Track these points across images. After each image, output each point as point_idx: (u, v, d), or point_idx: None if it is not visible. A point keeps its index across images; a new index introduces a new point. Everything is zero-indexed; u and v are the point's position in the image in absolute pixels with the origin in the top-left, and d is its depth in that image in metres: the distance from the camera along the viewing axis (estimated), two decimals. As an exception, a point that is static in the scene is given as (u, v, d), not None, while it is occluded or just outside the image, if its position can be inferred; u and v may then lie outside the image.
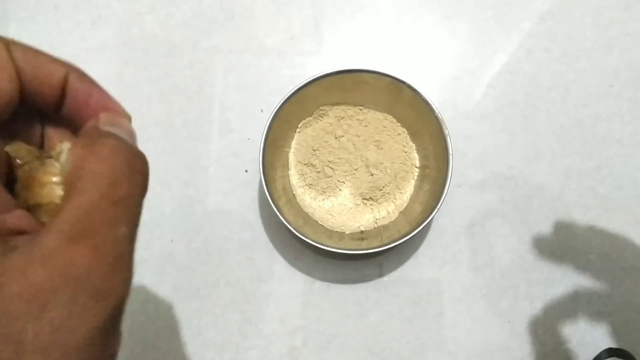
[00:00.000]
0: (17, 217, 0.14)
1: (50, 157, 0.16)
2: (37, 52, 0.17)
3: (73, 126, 0.18)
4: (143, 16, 0.45)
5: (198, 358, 0.38)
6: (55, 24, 0.45)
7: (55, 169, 0.16)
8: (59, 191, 0.16)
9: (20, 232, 0.14)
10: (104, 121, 0.16)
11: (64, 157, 0.16)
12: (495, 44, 0.44)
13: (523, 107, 0.42)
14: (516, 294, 0.39)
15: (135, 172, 0.15)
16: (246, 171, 0.41)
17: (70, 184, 0.15)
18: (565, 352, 0.38)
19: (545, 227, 0.40)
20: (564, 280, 0.39)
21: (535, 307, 0.38)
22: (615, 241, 0.39)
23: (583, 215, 0.40)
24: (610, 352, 0.36)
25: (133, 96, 0.43)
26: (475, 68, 0.43)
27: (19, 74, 0.16)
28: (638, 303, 0.38)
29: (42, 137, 0.18)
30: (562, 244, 0.39)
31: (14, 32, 0.44)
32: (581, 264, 0.39)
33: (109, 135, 0.16)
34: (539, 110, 0.42)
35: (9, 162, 0.16)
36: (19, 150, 0.16)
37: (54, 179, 0.16)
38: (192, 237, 0.40)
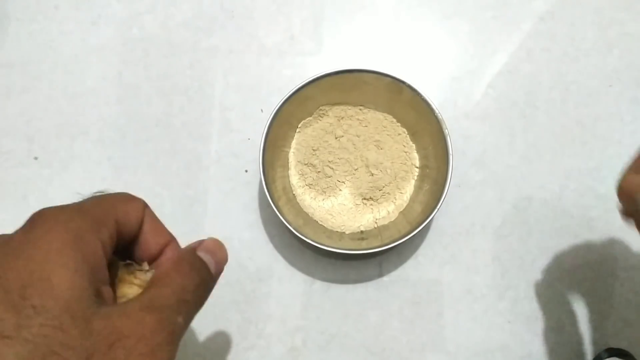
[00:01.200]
0: (107, 290, 0.20)
1: (139, 270, 0.23)
2: (157, 218, 0.24)
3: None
4: (143, 16, 0.45)
5: (198, 358, 0.38)
6: (55, 24, 0.45)
7: (139, 275, 0.22)
8: (138, 291, 0.22)
9: (105, 301, 0.19)
10: (203, 247, 0.23)
11: (149, 274, 0.22)
12: (495, 44, 0.44)
13: (523, 107, 0.42)
14: (516, 294, 0.39)
15: (200, 289, 0.22)
16: (246, 171, 0.41)
17: (153, 281, 0.21)
18: (565, 352, 0.38)
19: (545, 227, 0.40)
20: (564, 280, 0.39)
21: (535, 307, 0.38)
22: (615, 241, 0.39)
23: (583, 215, 0.40)
24: (610, 352, 0.36)
25: (133, 96, 0.43)
26: (475, 68, 0.43)
27: (141, 224, 0.23)
28: (638, 303, 0.38)
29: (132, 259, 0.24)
30: (562, 244, 0.39)
31: (14, 32, 0.44)
32: (581, 264, 0.39)
33: (196, 259, 0.22)
34: (539, 110, 0.42)
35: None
36: (117, 259, 0.22)
37: (135, 281, 0.22)
38: (192, 237, 0.40)
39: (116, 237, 0.21)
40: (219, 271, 0.24)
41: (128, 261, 0.23)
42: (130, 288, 0.22)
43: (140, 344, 0.17)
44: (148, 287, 0.21)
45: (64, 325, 0.16)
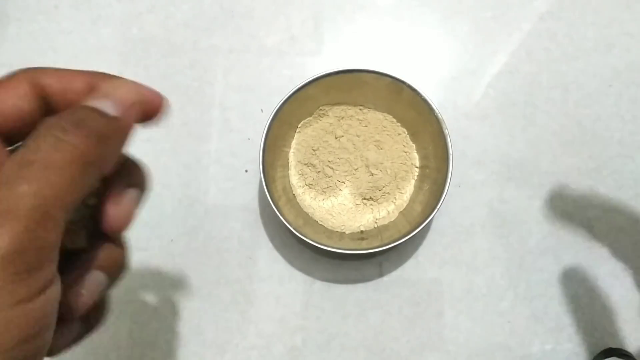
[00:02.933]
0: None
1: None
2: (63, 71, 0.18)
3: None
4: (143, 16, 0.45)
5: (198, 358, 0.38)
6: (55, 24, 0.45)
7: None
8: None
9: None
10: (95, 94, 0.18)
11: None
12: (495, 44, 0.44)
13: (523, 107, 0.42)
14: (516, 294, 0.39)
15: (67, 140, 0.16)
16: (246, 171, 0.41)
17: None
18: (565, 352, 0.38)
19: (545, 227, 0.40)
20: (564, 280, 0.39)
21: (535, 307, 0.38)
22: (616, 241, 0.39)
23: (583, 215, 0.40)
24: (610, 352, 0.36)
25: (133, 96, 0.43)
26: (475, 68, 0.43)
27: (40, 91, 0.17)
28: (638, 303, 0.38)
29: None
30: (562, 244, 0.39)
31: (13, 32, 0.44)
32: (581, 264, 0.39)
33: (63, 113, 0.16)
34: (539, 110, 0.42)
35: None
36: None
37: None
38: (192, 237, 0.40)
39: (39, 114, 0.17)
40: (126, 108, 0.18)
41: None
42: None
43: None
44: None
45: None
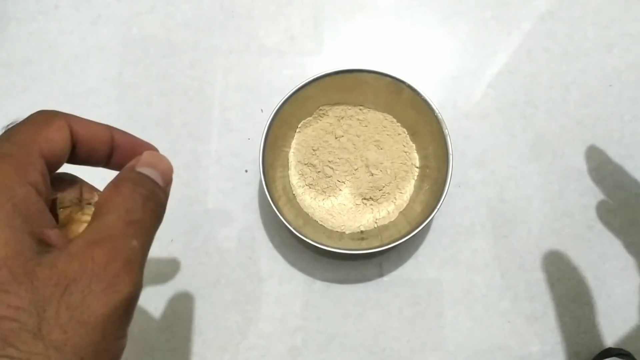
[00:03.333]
0: (54, 233, 0.18)
1: (90, 204, 0.21)
2: (87, 120, 0.21)
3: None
4: (143, 16, 0.45)
5: (198, 358, 0.38)
6: (55, 23, 0.45)
7: (90, 211, 0.21)
8: None
9: (54, 246, 0.18)
10: (142, 162, 0.21)
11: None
12: (495, 44, 0.44)
13: (523, 107, 0.42)
14: (516, 294, 0.39)
15: (150, 204, 0.20)
16: (246, 171, 0.41)
17: (95, 212, 0.19)
18: (565, 352, 0.38)
19: (545, 227, 0.40)
20: (564, 280, 0.39)
21: (535, 307, 0.38)
22: (615, 241, 0.39)
23: (583, 215, 0.40)
24: (610, 352, 0.36)
25: (133, 96, 0.43)
26: (475, 68, 0.43)
27: (74, 135, 0.21)
28: (638, 303, 0.38)
29: (81, 193, 0.22)
30: (562, 244, 0.39)
31: (13, 32, 0.44)
32: (581, 264, 0.39)
33: (136, 175, 0.20)
34: (539, 110, 0.42)
35: (54, 207, 0.20)
36: (64, 197, 0.21)
37: (88, 218, 0.20)
38: (192, 237, 0.40)
39: (47, 170, 0.19)
40: (167, 181, 0.22)
41: (74, 198, 0.21)
42: (82, 226, 0.20)
43: (94, 283, 0.16)
44: (91, 220, 0.19)
45: (5, 286, 0.15)
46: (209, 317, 0.38)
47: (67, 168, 0.21)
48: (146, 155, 0.22)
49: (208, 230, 0.40)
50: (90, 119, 0.22)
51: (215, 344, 0.38)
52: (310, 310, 0.39)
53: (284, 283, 0.39)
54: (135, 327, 0.38)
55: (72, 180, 0.22)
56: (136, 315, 0.38)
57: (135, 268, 0.18)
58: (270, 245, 0.40)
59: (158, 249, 0.39)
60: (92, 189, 0.22)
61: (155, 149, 0.24)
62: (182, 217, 0.40)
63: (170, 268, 0.39)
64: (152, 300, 0.39)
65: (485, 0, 0.44)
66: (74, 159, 0.21)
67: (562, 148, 0.41)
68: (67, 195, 0.21)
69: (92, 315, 0.16)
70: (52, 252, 0.17)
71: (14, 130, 0.19)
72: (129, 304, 0.17)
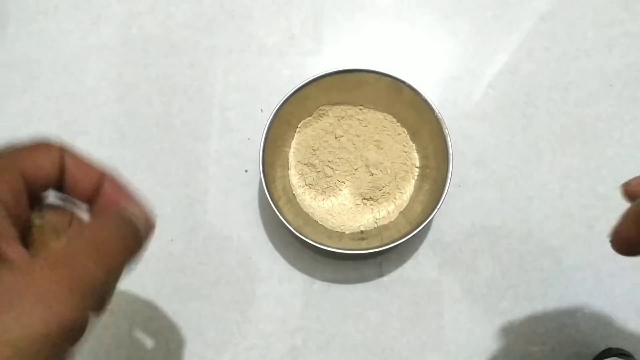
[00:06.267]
0: (13, 249, 0.18)
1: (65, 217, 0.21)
2: (82, 158, 0.22)
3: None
4: (143, 16, 0.45)
5: (198, 358, 0.38)
6: (55, 23, 0.45)
7: (63, 233, 0.21)
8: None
9: (9, 261, 0.18)
10: (128, 206, 0.21)
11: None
12: (495, 44, 0.44)
13: (523, 107, 0.42)
14: (516, 294, 0.39)
15: (126, 239, 0.20)
16: (246, 171, 0.41)
17: (71, 232, 0.19)
18: (565, 352, 0.38)
19: (545, 227, 0.40)
20: (564, 280, 0.39)
21: (535, 307, 0.38)
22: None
23: (583, 215, 0.40)
24: (610, 352, 0.36)
25: (133, 96, 0.43)
26: (475, 68, 0.43)
27: (64, 166, 0.21)
28: (638, 303, 0.38)
29: (70, 222, 0.22)
30: (562, 244, 0.39)
31: (13, 32, 0.44)
32: (581, 264, 0.39)
33: (118, 213, 0.21)
34: (539, 110, 0.42)
35: (30, 226, 0.21)
36: (46, 221, 0.21)
37: (61, 238, 0.21)
38: (192, 237, 0.40)
39: (26, 189, 0.20)
40: (148, 231, 0.22)
41: (56, 224, 0.21)
42: (58, 240, 0.20)
43: (35, 302, 0.16)
44: (66, 238, 0.19)
45: None
46: (209, 317, 0.38)
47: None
48: (133, 206, 0.22)
49: (208, 230, 0.40)
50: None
51: (215, 344, 0.38)
52: (310, 310, 0.39)
53: (284, 283, 0.39)
54: (135, 327, 0.38)
55: (65, 208, 0.22)
56: (137, 316, 0.39)
57: (84, 293, 0.17)
58: (270, 245, 0.40)
59: (158, 249, 0.39)
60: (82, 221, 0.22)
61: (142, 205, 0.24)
62: (182, 217, 0.40)
63: (170, 268, 0.39)
64: (152, 300, 0.39)
65: (485, 0, 0.44)
66: (61, 189, 0.22)
67: (562, 148, 0.41)
68: (50, 220, 0.21)
69: (26, 334, 0.16)
70: (4, 268, 0.17)
71: (3, 148, 0.20)
72: (67, 328, 0.17)
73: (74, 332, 0.17)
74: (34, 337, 0.16)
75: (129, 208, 0.21)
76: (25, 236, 0.20)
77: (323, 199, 0.39)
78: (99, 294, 0.18)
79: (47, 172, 0.20)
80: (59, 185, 0.21)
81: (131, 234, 0.20)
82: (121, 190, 0.22)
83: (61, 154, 0.21)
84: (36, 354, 0.16)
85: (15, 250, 0.18)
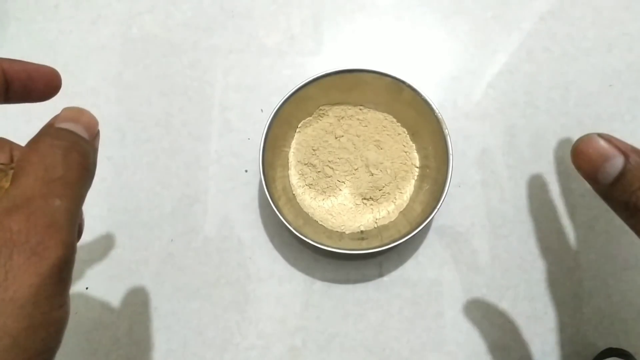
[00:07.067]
0: None
1: (13, 168, 0.19)
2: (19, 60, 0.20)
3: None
4: (143, 16, 0.45)
5: (198, 358, 0.38)
6: (55, 23, 0.45)
7: (8, 168, 0.19)
8: None
9: None
10: (61, 117, 0.20)
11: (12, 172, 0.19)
12: (495, 44, 0.44)
13: (523, 107, 0.42)
14: (516, 294, 0.39)
15: (73, 157, 0.18)
16: (246, 171, 0.41)
17: (13, 175, 0.17)
18: (565, 352, 0.38)
19: (545, 227, 0.40)
20: (564, 280, 0.39)
21: (535, 307, 0.38)
22: (616, 241, 0.39)
23: (583, 215, 0.40)
24: (610, 352, 0.36)
25: (133, 96, 0.43)
26: (475, 68, 0.43)
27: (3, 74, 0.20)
28: (638, 303, 0.38)
29: (11, 157, 0.21)
30: (562, 244, 0.39)
31: (13, 32, 0.44)
32: (581, 264, 0.39)
33: (55, 130, 0.19)
34: (539, 110, 0.42)
35: None
36: None
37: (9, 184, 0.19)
38: (192, 237, 0.40)
39: None
40: (93, 134, 0.20)
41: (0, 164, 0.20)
42: (6, 177, 0.19)
43: (15, 254, 0.15)
44: (10, 185, 0.18)
45: None
46: (209, 317, 0.38)
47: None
48: (65, 111, 0.20)
49: (208, 230, 0.40)
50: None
51: (215, 344, 0.38)
52: (310, 310, 0.39)
53: (284, 283, 0.39)
54: (135, 327, 0.38)
55: (2, 143, 0.20)
56: (136, 316, 0.39)
57: (62, 229, 0.16)
58: (270, 245, 0.40)
59: (158, 249, 0.40)
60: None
61: (55, 71, 0.22)
62: (182, 217, 0.40)
63: (170, 268, 0.39)
64: (152, 300, 0.39)
65: (485, 0, 0.44)
66: (9, 99, 0.20)
67: (562, 148, 0.41)
68: None
69: (19, 290, 0.15)
70: None
71: None
72: (60, 269, 0.16)
73: (66, 270, 0.16)
74: (26, 292, 0.15)
75: (62, 117, 0.20)
76: None
77: (323, 199, 0.39)
78: (74, 224, 0.17)
79: None
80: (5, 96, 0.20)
81: (76, 148, 0.19)
82: (25, 66, 0.21)
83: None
84: (34, 309, 0.15)
85: None
